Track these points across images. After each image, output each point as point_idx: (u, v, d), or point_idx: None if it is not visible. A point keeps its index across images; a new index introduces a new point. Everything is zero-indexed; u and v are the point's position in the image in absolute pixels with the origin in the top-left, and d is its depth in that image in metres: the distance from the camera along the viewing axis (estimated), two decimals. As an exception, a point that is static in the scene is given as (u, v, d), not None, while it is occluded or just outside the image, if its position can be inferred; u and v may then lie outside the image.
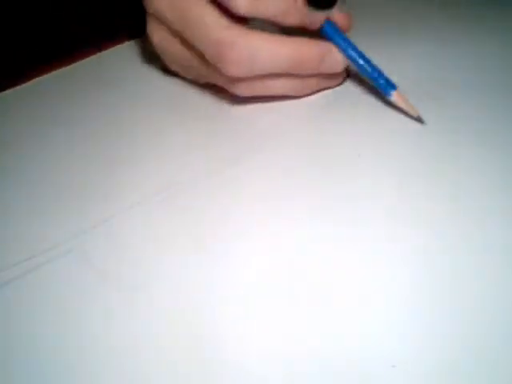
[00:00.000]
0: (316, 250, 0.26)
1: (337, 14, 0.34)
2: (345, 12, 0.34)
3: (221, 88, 0.35)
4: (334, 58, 0.34)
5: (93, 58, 0.43)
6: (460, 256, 0.25)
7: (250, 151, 0.32)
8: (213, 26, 0.31)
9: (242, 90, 0.33)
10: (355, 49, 0.34)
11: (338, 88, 0.36)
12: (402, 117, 0.33)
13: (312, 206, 0.28)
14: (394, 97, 0.33)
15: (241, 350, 0.22)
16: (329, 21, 0.34)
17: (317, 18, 0.33)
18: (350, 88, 0.36)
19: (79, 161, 0.32)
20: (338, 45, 0.34)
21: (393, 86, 0.33)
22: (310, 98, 0.35)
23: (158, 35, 0.34)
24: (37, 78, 0.40)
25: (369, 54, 0.35)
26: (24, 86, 0.40)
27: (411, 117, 0.32)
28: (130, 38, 0.44)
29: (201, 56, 0.32)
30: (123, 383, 0.21)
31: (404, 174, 0.30)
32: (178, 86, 0.37)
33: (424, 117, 0.33)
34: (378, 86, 0.34)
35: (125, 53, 0.43)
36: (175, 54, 0.35)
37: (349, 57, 0.34)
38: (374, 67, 0.34)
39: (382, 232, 0.26)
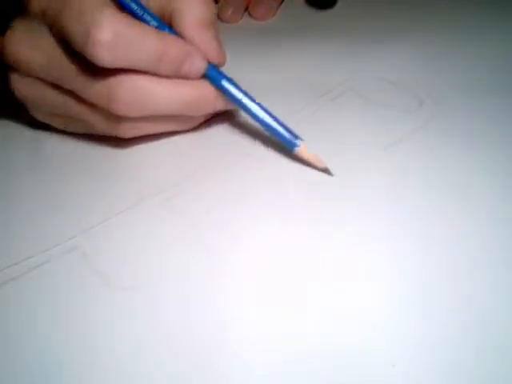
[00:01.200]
0: (316, 250, 0.26)
1: (211, 53, 0.31)
2: (217, 44, 0.31)
3: (100, 136, 0.32)
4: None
5: None
6: (459, 256, 0.25)
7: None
8: (94, 69, 0.28)
9: (127, 131, 0.31)
10: (253, 100, 0.31)
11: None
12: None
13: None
14: (300, 150, 0.30)
15: (241, 350, 0.22)
16: (213, 66, 0.31)
17: (195, 68, 0.30)
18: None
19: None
20: (223, 90, 0.31)
21: (297, 139, 0.30)
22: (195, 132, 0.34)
23: (22, 86, 0.30)
24: None
25: (370, 53, 0.35)
26: None
27: (319, 169, 0.30)
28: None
29: (78, 101, 0.30)
30: (123, 383, 0.21)
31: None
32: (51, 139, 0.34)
33: (425, 115, 0.33)
34: (281, 140, 0.30)
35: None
36: (46, 103, 0.31)
37: (246, 111, 0.31)
38: (274, 118, 0.31)
39: (382, 232, 0.26)
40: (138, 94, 0.29)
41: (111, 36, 0.27)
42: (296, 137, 0.30)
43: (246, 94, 0.31)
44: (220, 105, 0.31)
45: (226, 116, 0.34)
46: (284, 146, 0.31)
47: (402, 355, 0.21)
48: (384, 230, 0.27)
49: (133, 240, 0.27)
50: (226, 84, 0.30)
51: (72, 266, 0.26)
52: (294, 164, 0.31)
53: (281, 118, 0.31)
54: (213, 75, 0.30)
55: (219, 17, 0.46)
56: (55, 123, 0.33)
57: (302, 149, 0.30)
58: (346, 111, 0.35)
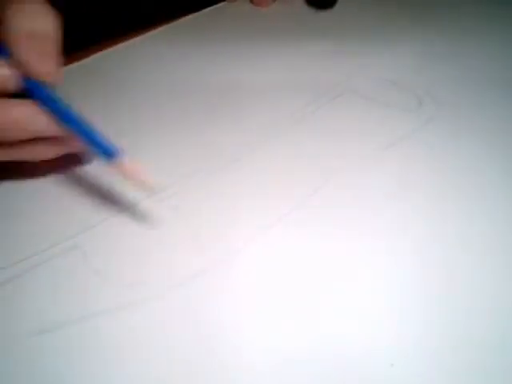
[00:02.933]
0: (316, 251, 0.26)
1: (35, 68, 0.26)
2: (47, 61, 0.26)
3: None
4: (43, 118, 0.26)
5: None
6: (457, 257, 0.25)
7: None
8: None
9: None
10: (64, 109, 0.26)
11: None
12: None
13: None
14: (119, 165, 0.26)
15: (242, 350, 0.22)
16: (29, 78, 0.26)
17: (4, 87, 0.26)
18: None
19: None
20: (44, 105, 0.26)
21: (118, 150, 0.26)
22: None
23: None
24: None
25: (369, 53, 0.34)
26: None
27: (143, 185, 0.26)
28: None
29: None
30: (124, 381, 0.21)
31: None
32: None
33: (425, 114, 0.33)
34: (100, 150, 0.26)
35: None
36: None
37: (59, 119, 0.26)
38: (90, 132, 0.26)
39: (382, 232, 0.26)
40: None
41: None
42: (117, 150, 0.26)
43: (65, 106, 0.26)
44: (36, 129, 0.26)
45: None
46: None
47: (401, 354, 0.21)
48: (384, 230, 0.26)
49: (132, 239, 0.27)
50: (44, 98, 0.26)
51: (72, 265, 0.26)
52: (294, 165, 0.31)
53: (281, 118, 0.31)
54: (32, 91, 0.26)
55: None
56: None
57: (122, 161, 0.26)
58: (346, 111, 0.35)
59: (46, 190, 0.30)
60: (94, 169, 0.32)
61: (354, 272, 0.25)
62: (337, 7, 0.47)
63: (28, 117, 0.26)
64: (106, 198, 0.29)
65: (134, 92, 0.37)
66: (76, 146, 0.28)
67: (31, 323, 0.23)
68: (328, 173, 0.30)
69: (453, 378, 0.20)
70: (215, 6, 0.48)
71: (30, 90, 0.26)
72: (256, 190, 0.29)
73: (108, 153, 0.26)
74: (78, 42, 0.38)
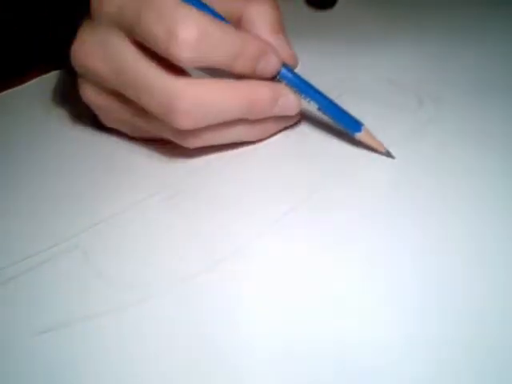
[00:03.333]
0: (317, 252, 0.26)
1: (285, 53, 0.31)
2: (289, 46, 0.32)
3: (167, 141, 0.32)
4: (287, 100, 0.31)
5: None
6: (456, 258, 0.25)
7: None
8: (156, 79, 0.28)
9: (192, 141, 0.30)
10: (315, 89, 0.32)
11: (297, 128, 0.34)
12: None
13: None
14: (362, 135, 0.31)
15: (242, 350, 0.22)
16: (284, 65, 0.31)
17: (271, 66, 0.30)
18: (307, 128, 0.34)
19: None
20: (297, 87, 0.31)
21: (359, 124, 0.31)
22: (269, 141, 0.33)
23: (90, 94, 0.31)
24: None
25: (369, 53, 0.35)
26: None
27: (381, 153, 0.31)
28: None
29: (143, 111, 0.29)
30: (127, 380, 0.21)
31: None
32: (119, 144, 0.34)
33: (425, 115, 0.33)
34: (343, 126, 0.32)
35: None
36: (113, 111, 0.32)
37: (311, 98, 0.31)
38: (336, 106, 0.32)
39: (382, 233, 0.26)
40: (198, 104, 0.28)
41: (197, 34, 0.27)
42: (359, 123, 0.31)
43: (312, 88, 0.32)
44: (277, 110, 0.31)
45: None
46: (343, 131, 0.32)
47: (399, 354, 0.21)
48: (385, 231, 0.26)
49: (134, 239, 0.27)
50: (298, 81, 0.31)
51: (73, 265, 0.26)
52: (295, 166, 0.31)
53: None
54: (286, 75, 0.31)
55: None
56: (124, 129, 0.33)
57: (364, 134, 0.31)
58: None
59: (48, 188, 0.30)
60: (95, 167, 0.32)
61: (354, 274, 0.25)
62: (337, 7, 0.47)
63: (280, 96, 0.31)
64: (109, 196, 0.29)
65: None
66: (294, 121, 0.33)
67: (33, 322, 0.23)
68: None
69: (451, 378, 0.20)
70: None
71: (284, 76, 0.31)
72: (257, 186, 0.30)
73: (353, 126, 0.31)
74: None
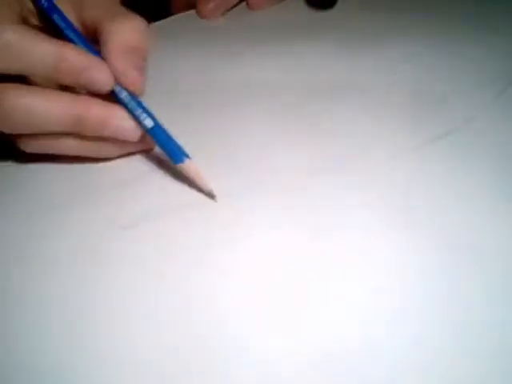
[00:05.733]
0: (316, 254, 0.26)
1: (126, 77, 0.29)
2: (136, 74, 0.30)
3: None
4: (122, 123, 0.30)
5: None
6: (454, 259, 0.25)
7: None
8: None
9: (24, 145, 0.30)
10: (148, 112, 0.30)
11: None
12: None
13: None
14: (185, 166, 0.29)
15: (242, 351, 0.22)
16: (118, 84, 0.30)
17: (97, 80, 0.29)
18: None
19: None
20: (128, 107, 0.30)
21: (185, 155, 0.29)
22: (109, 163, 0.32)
23: None
24: None
25: (370, 53, 0.34)
26: None
27: (203, 191, 0.29)
28: None
29: None
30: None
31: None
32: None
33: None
34: (168, 153, 0.30)
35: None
36: None
37: (141, 119, 0.30)
38: (165, 133, 0.30)
39: (381, 236, 0.26)
40: (18, 111, 0.27)
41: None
42: (186, 154, 0.29)
43: (144, 108, 0.30)
44: (109, 132, 0.29)
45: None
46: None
47: (398, 354, 0.21)
48: (390, 233, 0.27)
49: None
50: (125, 99, 0.30)
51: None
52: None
53: (281, 117, 0.31)
54: (119, 94, 0.30)
55: (198, 11, 0.46)
56: None
57: (187, 166, 0.29)
58: (346, 111, 0.35)
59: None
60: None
61: (354, 275, 0.25)
62: (337, 7, 0.47)
63: (111, 118, 0.29)
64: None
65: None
66: (146, 147, 0.32)
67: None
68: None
69: (449, 379, 0.20)
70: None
71: (118, 96, 0.30)
72: (259, 188, 0.29)
73: (178, 156, 0.29)
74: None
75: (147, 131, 0.30)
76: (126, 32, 0.30)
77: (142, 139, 0.31)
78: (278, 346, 0.22)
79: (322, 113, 0.35)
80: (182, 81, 0.38)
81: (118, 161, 0.32)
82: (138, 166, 0.31)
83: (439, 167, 0.30)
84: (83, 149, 0.30)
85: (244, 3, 0.48)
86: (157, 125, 0.30)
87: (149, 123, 0.29)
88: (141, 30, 0.31)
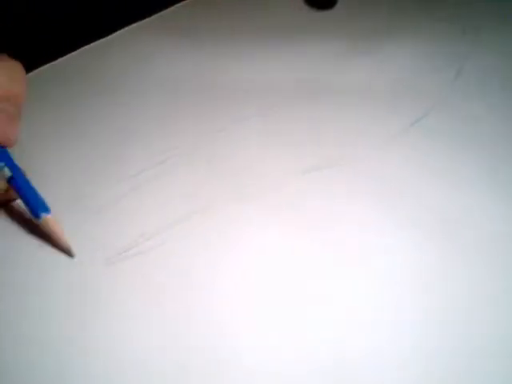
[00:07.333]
0: (314, 257, 0.26)
1: None
2: (4, 122, 0.27)
3: None
4: None
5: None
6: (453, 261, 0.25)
7: None
8: None
9: None
10: (10, 160, 0.28)
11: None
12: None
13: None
14: (44, 220, 0.27)
15: (242, 352, 0.22)
16: None
17: None
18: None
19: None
20: None
21: (45, 209, 0.27)
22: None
23: None
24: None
25: (369, 53, 0.34)
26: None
27: (61, 248, 0.27)
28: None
29: None
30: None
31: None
32: None
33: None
34: (27, 205, 0.28)
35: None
36: None
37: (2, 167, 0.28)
38: (28, 184, 0.28)
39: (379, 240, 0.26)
40: None
41: None
42: (45, 208, 0.27)
43: (7, 158, 0.28)
44: None
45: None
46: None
47: (397, 356, 0.21)
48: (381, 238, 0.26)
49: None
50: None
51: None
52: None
53: (281, 117, 0.31)
54: None
55: None
56: None
57: (46, 220, 0.27)
58: (346, 111, 0.35)
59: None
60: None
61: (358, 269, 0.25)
62: (337, 7, 0.47)
63: None
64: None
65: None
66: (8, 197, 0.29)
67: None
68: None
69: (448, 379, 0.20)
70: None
71: None
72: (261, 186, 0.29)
73: (38, 209, 0.27)
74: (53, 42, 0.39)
75: (7, 182, 0.28)
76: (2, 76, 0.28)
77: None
78: (278, 346, 0.22)
79: (321, 112, 0.35)
80: (174, 79, 0.38)
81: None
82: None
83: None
84: None
85: (244, 3, 0.49)
86: (16, 175, 0.28)
87: (7, 172, 0.28)
88: (10, 75, 0.29)
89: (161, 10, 0.46)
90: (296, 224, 0.27)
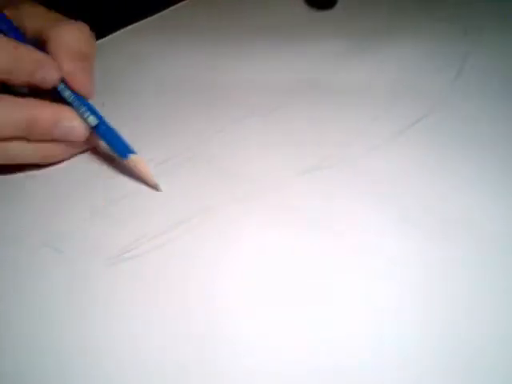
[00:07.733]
0: (315, 257, 0.26)
1: (75, 78, 0.30)
2: (85, 76, 0.30)
3: None
4: (70, 124, 0.29)
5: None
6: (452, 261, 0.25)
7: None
8: None
9: None
10: (92, 110, 0.30)
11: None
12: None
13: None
14: (132, 161, 0.29)
15: (242, 352, 0.22)
16: (63, 82, 0.30)
17: (50, 77, 0.29)
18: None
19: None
20: (74, 104, 0.30)
21: (130, 151, 0.30)
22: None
23: None
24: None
25: (370, 52, 0.34)
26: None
27: (148, 184, 0.29)
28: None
29: None
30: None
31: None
32: None
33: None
34: (113, 149, 0.30)
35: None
36: None
37: (86, 117, 0.30)
38: (110, 129, 0.30)
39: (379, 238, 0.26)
40: None
41: None
42: (131, 150, 0.30)
43: (88, 105, 0.30)
44: (59, 133, 0.29)
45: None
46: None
47: (397, 356, 0.21)
48: (382, 236, 0.26)
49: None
50: (68, 98, 0.30)
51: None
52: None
53: (281, 117, 0.31)
54: (63, 91, 0.30)
55: None
56: None
57: (136, 158, 0.29)
58: (346, 111, 0.35)
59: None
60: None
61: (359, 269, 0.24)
62: (337, 7, 0.48)
63: (61, 118, 0.29)
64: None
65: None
66: (90, 145, 0.32)
67: None
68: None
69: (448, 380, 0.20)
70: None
71: (61, 95, 0.30)
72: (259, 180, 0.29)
73: (124, 152, 0.30)
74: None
75: (92, 129, 0.30)
76: (70, 37, 0.30)
77: (87, 138, 0.31)
78: (278, 346, 0.22)
79: (321, 112, 0.35)
80: (171, 79, 0.39)
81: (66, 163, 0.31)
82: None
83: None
84: (31, 155, 0.29)
85: (244, 3, 0.49)
86: (101, 122, 0.30)
87: (93, 121, 0.30)
88: (84, 35, 0.31)
89: (161, 10, 0.47)
90: (296, 224, 0.27)
